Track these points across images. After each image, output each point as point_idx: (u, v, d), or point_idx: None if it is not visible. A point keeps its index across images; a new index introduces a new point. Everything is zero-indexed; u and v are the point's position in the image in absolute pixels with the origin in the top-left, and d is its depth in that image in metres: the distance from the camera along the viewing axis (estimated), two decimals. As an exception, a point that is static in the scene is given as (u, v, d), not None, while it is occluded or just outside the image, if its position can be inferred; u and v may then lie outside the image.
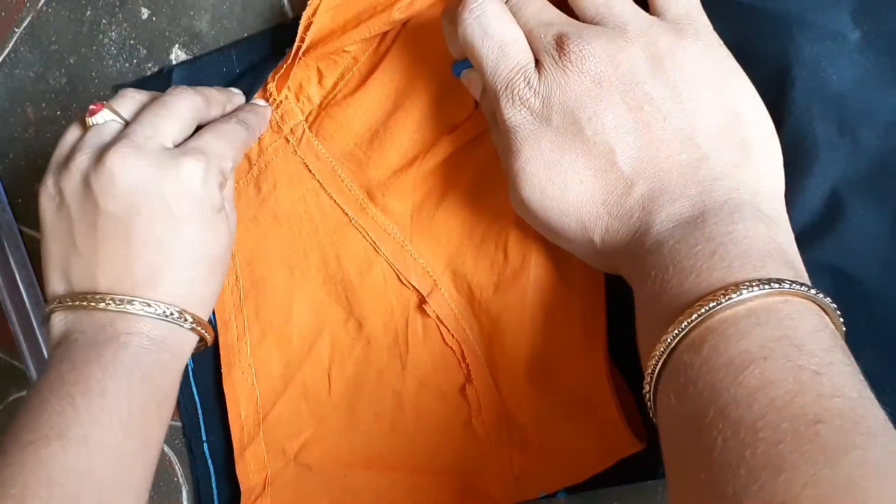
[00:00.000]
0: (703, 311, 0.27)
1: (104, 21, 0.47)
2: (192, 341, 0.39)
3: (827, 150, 0.33)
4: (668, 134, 0.30)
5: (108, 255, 0.37)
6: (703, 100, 0.31)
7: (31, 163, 0.50)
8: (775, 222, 0.30)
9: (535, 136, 0.32)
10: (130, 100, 0.40)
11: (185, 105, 0.39)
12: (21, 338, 0.51)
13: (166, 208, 0.37)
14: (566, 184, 0.31)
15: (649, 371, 0.29)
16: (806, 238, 0.33)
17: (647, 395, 0.29)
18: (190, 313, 0.38)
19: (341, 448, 0.43)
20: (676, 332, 0.27)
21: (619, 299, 0.37)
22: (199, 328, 0.39)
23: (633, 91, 0.31)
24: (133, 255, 0.37)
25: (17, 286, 0.51)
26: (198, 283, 0.39)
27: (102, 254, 0.37)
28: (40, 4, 0.48)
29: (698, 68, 0.31)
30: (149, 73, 0.46)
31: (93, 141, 0.38)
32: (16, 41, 0.49)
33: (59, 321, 0.38)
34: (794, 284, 0.27)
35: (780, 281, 0.27)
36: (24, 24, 0.49)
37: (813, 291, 0.27)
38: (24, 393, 0.52)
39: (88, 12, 0.47)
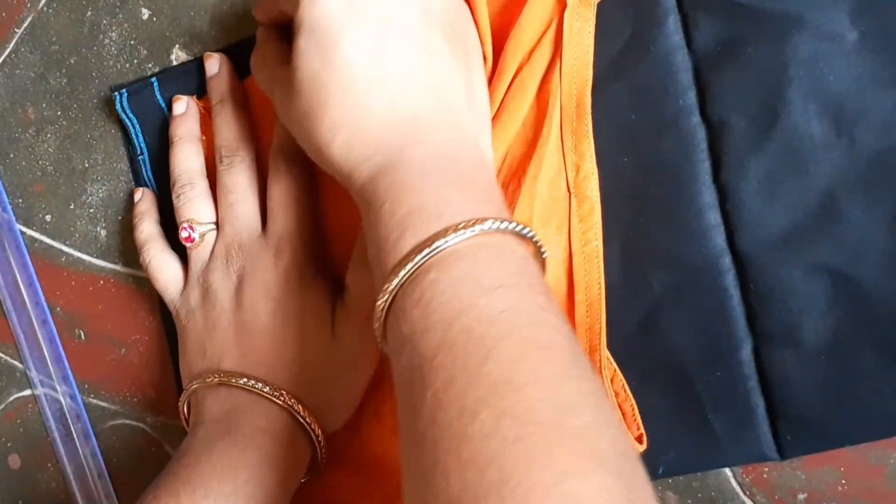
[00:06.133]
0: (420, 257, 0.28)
1: (105, 21, 0.47)
2: (306, 455, 0.40)
3: (824, 149, 0.33)
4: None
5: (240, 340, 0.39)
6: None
7: (31, 163, 0.50)
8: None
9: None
10: (200, 201, 0.42)
11: (245, 181, 0.41)
12: (21, 338, 0.51)
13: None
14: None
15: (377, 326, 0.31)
16: (802, 238, 0.34)
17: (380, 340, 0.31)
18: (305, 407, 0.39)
19: (346, 451, 0.43)
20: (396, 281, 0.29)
21: (618, 299, 0.37)
22: (311, 423, 0.39)
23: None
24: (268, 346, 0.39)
25: (18, 286, 0.51)
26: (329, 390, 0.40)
27: (236, 338, 0.39)
28: (41, 5, 0.48)
29: None
30: (149, 73, 0.46)
31: (215, 262, 0.41)
32: (16, 41, 0.49)
33: (191, 400, 0.41)
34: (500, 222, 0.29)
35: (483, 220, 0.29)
36: (25, 24, 0.49)
37: (513, 226, 0.29)
38: (24, 392, 0.52)
39: (89, 13, 0.47)
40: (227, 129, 0.42)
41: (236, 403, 0.39)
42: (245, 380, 0.38)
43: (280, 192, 0.40)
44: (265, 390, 0.38)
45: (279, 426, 0.38)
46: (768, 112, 0.32)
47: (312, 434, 0.39)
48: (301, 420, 0.38)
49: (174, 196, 0.42)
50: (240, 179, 0.41)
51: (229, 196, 0.41)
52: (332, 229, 0.42)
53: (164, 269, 0.43)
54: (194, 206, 0.41)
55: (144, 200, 0.45)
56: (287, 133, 0.40)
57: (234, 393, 0.39)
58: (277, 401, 0.38)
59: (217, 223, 0.41)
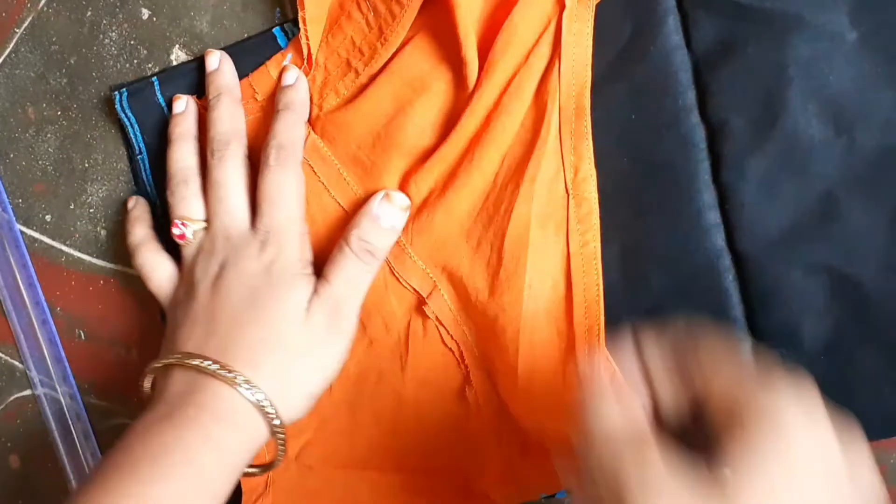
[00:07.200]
0: None
1: (105, 21, 0.47)
2: (257, 437, 0.38)
3: (823, 149, 0.33)
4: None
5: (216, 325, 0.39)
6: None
7: (31, 163, 0.50)
8: None
9: None
10: (194, 199, 0.42)
11: (236, 175, 0.41)
12: (21, 338, 0.51)
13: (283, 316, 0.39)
14: None
15: None
16: (802, 238, 0.34)
17: None
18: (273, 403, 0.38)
19: (342, 449, 0.43)
20: None
21: (618, 299, 0.37)
22: (279, 431, 0.38)
23: None
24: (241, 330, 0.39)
25: (18, 286, 0.51)
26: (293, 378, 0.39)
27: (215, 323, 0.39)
28: (41, 5, 0.48)
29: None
30: (149, 73, 0.46)
31: (200, 258, 0.41)
32: (16, 41, 0.49)
33: (148, 384, 0.41)
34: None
35: None
36: (25, 24, 0.49)
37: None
38: (25, 392, 0.52)
39: (89, 13, 0.47)
40: (221, 123, 0.41)
41: (188, 385, 0.38)
42: (199, 361, 0.37)
43: (269, 187, 0.40)
44: (213, 369, 0.37)
45: (226, 407, 0.37)
46: (768, 112, 0.32)
47: (268, 417, 0.38)
48: (253, 403, 0.37)
49: (168, 193, 0.42)
50: (230, 173, 0.41)
51: (219, 190, 0.41)
52: (318, 231, 0.42)
53: (157, 269, 0.43)
54: (188, 203, 0.41)
55: (138, 207, 0.45)
56: (281, 130, 0.40)
57: (187, 374, 0.38)
58: (225, 380, 0.37)
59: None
